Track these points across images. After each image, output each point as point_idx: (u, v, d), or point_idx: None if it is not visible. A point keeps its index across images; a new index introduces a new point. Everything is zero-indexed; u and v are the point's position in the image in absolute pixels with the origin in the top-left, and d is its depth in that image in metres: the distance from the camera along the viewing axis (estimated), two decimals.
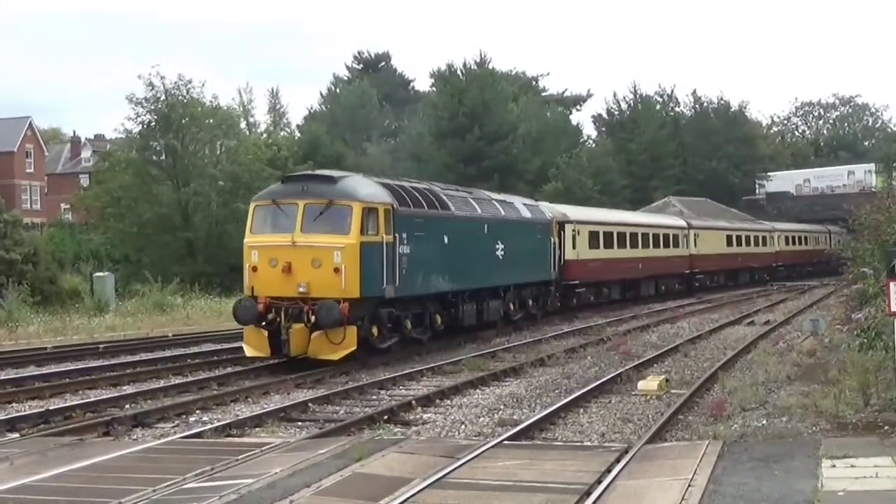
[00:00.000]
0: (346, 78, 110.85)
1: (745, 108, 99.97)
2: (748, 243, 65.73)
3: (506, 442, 14.09)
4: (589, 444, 14.60)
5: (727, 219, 70.10)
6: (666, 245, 52.20)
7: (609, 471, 11.95)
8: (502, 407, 18.08)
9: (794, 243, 74.36)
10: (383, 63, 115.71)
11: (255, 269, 23.89)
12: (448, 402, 18.74)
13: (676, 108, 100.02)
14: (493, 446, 13.59)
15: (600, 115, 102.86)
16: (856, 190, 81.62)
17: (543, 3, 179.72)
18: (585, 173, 76.72)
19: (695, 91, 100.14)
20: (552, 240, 37.69)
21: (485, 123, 77.13)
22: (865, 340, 16.63)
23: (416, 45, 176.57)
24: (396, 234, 24.82)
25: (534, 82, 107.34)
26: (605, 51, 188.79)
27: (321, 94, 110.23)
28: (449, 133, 77.61)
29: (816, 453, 12.15)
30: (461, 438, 15.13)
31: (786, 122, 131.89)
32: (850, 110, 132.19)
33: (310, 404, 18.11)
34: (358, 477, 11.81)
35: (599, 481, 11.44)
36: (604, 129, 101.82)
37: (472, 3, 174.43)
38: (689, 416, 16.63)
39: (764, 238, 68.54)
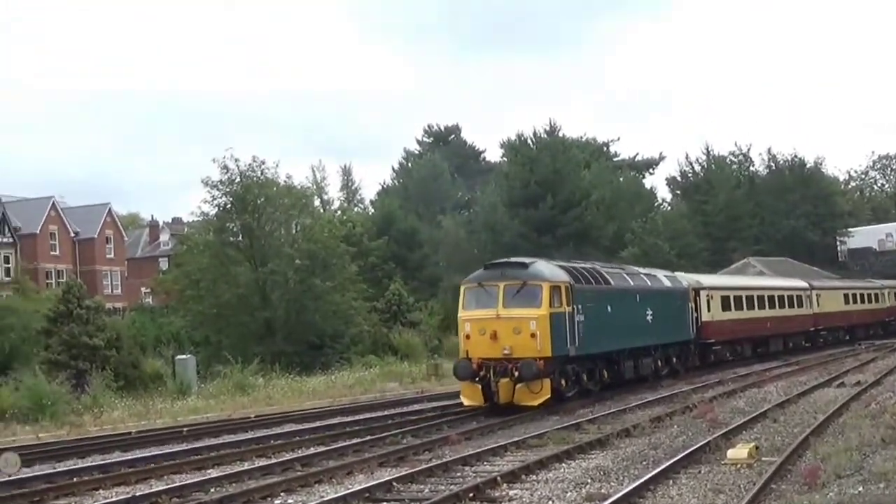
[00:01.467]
0: (417, 152, 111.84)
1: (820, 164, 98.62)
2: (863, 300, 68.14)
3: None
4: None
5: (816, 277, 69.83)
6: (791, 305, 56.27)
7: None
8: (589, 480, 17.74)
9: None
10: (453, 135, 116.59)
11: (468, 336, 30.27)
12: (534, 476, 18.43)
13: (751, 168, 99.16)
14: None
15: (674, 178, 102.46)
16: None
17: (611, 69, 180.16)
18: (662, 237, 76.30)
19: (769, 149, 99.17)
20: (689, 305, 42.95)
21: (557, 191, 77.20)
22: None
23: (485, 116, 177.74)
24: (574, 305, 30.97)
25: (605, 148, 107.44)
26: (676, 113, 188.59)
27: (393, 168, 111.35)
28: (522, 202, 77.75)
29: None
30: None
31: (863, 176, 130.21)
32: None
33: (394, 483, 17.91)
34: None
35: None
36: (678, 191, 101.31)
37: (539, 72, 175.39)
38: (781, 484, 16.18)
39: (876, 295, 70.57)
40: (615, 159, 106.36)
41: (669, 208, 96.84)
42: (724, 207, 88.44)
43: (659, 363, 38.93)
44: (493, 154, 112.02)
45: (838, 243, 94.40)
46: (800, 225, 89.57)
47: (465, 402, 30.24)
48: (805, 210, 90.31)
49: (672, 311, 40.55)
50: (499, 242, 77.02)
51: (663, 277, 42.00)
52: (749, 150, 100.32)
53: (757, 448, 19.54)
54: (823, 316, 60.07)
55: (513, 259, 33.91)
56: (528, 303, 29.73)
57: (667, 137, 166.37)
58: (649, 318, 37.35)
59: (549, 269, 31.48)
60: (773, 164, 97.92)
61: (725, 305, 47.97)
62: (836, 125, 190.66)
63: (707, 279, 49.55)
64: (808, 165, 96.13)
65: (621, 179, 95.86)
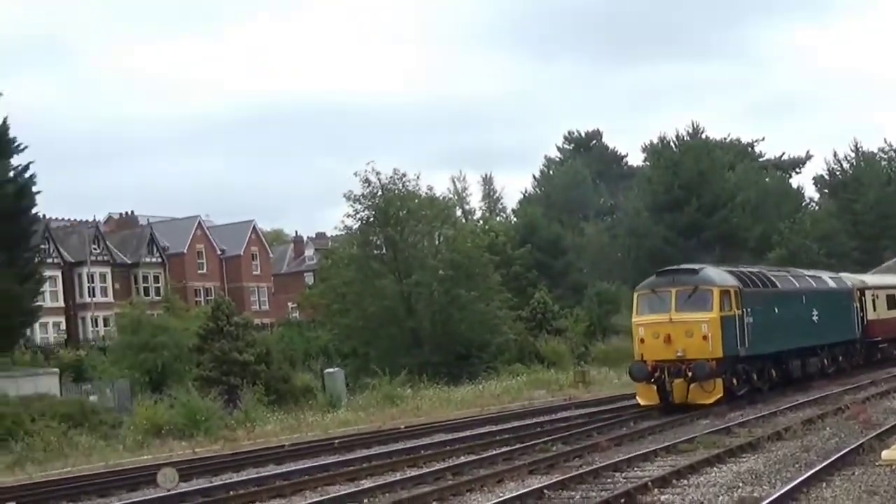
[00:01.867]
0: (558, 159, 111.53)
1: None
2: None
3: None
4: None
5: None
6: None
7: None
8: (741, 484, 17.59)
9: None
10: (594, 141, 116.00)
11: (642, 340, 32.04)
12: (685, 481, 18.33)
13: None
14: None
15: (821, 177, 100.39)
16: None
17: (754, 69, 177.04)
18: (810, 238, 74.88)
19: None
20: (854, 304, 44.12)
21: (702, 194, 76.46)
22: None
23: (626, 121, 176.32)
24: (743, 308, 32.73)
25: (749, 149, 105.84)
26: (823, 110, 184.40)
27: (534, 176, 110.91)
28: (666, 206, 77.17)
29: None
30: None
31: None
32: None
33: (545, 491, 18.00)
34: None
35: None
36: (826, 190, 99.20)
37: (677, 74, 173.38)
38: None
39: None
40: (760, 160, 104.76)
41: (817, 208, 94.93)
42: (874, 205, 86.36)
43: (826, 361, 40.19)
44: (636, 158, 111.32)
45: None
46: None
47: (641, 401, 32.15)
48: None
49: (837, 311, 41.95)
50: (643, 247, 76.52)
51: (828, 279, 43.92)
52: None
53: None
54: None
55: (683, 266, 35.56)
56: (699, 307, 31.57)
57: (814, 136, 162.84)
58: (815, 318, 38.95)
59: (718, 275, 33.59)
60: None
61: (891, 304, 48.89)
62: None
63: (871, 279, 50.95)
64: None
65: (767, 180, 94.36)
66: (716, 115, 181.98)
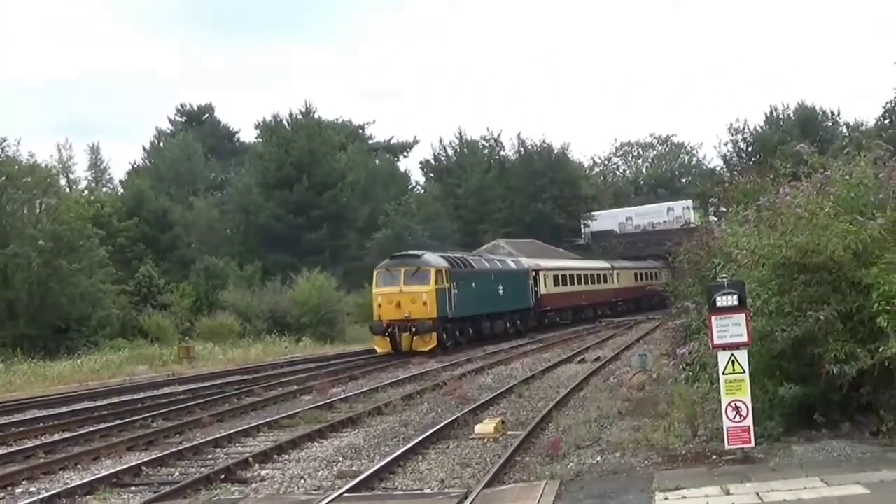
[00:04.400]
0: (169, 131, 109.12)
1: (566, 149, 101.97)
2: (645, 278, 79.09)
3: (346, 494, 13.99)
4: (429, 491, 14.61)
5: (566, 258, 74.34)
6: (599, 282, 71.85)
7: None
8: (341, 459, 17.95)
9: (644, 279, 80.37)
10: (207, 115, 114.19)
11: (380, 305, 44.15)
12: (286, 456, 18.50)
13: (501, 152, 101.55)
14: (333, 500, 13.48)
15: (427, 162, 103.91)
16: (676, 226, 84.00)
17: (365, 51, 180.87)
18: (415, 219, 77.25)
19: (519, 134, 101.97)
20: (530, 282, 57.73)
21: (313, 173, 77.15)
22: (691, 374, 16.98)
23: (240, 97, 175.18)
24: (450, 283, 45.56)
25: (360, 130, 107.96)
26: (431, 97, 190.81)
27: (144, 148, 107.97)
28: (277, 184, 77.32)
29: (650, 487, 12.36)
30: (300, 494, 14.97)
31: (606, 162, 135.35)
32: (667, 149, 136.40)
33: (143, 468, 17.63)
34: None
35: None
36: (432, 174, 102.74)
37: (296, 52, 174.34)
38: (526, 457, 16.76)
39: (652, 273, 79.59)
40: (370, 142, 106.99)
41: (423, 191, 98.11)
42: (475, 191, 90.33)
43: (508, 324, 53.20)
44: (248, 135, 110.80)
45: (582, 226, 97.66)
46: (546, 208, 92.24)
47: (379, 350, 43.83)
48: (552, 194, 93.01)
49: (517, 287, 55.33)
50: (252, 224, 76.42)
51: (510, 262, 57.95)
52: (500, 135, 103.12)
53: (503, 423, 20.19)
54: (621, 290, 75.52)
55: (410, 252, 48.69)
56: (421, 281, 44.12)
57: (422, 121, 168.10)
58: (501, 291, 52.19)
59: (434, 259, 46.31)
60: (522, 149, 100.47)
61: (556, 282, 63.12)
62: (582, 113, 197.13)
63: (544, 262, 64.37)
64: (555, 151, 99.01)
65: (377, 162, 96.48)
66: (329, 96, 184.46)
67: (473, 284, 48.40)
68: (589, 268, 72.27)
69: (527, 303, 56.41)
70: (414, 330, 42.89)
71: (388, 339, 43.30)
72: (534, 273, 58.78)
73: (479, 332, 48.91)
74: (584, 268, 71.48)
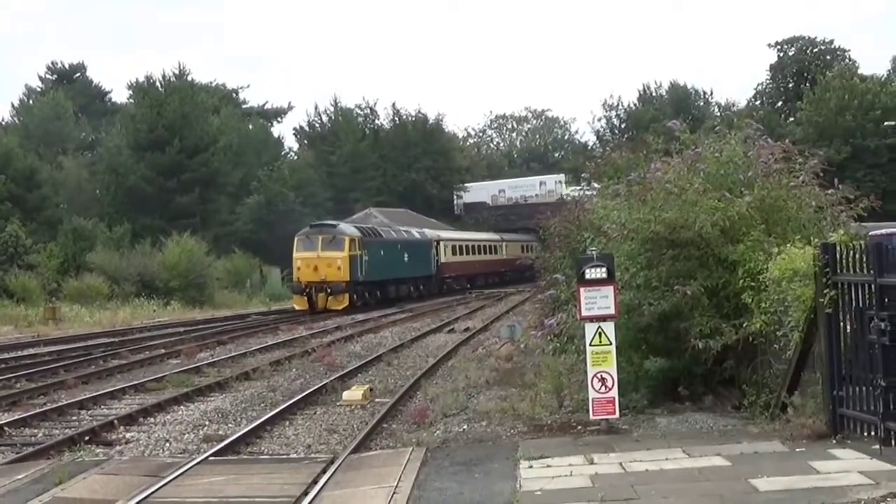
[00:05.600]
0: (39, 89, 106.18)
1: (441, 120, 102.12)
2: (530, 250, 76.18)
3: (211, 458, 13.92)
4: (295, 456, 14.62)
5: (439, 228, 74.75)
6: (490, 252, 77.79)
7: (315, 482, 11.99)
8: (207, 423, 17.85)
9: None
10: (79, 74, 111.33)
11: (299, 268, 49.43)
12: (152, 419, 18.33)
13: (376, 121, 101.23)
14: (198, 463, 13.40)
15: (302, 128, 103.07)
16: (548, 200, 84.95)
17: (242, 14, 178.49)
18: (287, 186, 76.70)
19: (394, 104, 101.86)
20: (433, 252, 63.87)
21: (185, 136, 75.95)
22: (559, 345, 17.18)
23: (113, 55, 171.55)
24: (362, 250, 50.85)
25: (234, 94, 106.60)
26: (306, 63, 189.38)
27: (13, 105, 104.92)
28: (148, 146, 75.92)
29: (515, 455, 12.53)
30: (166, 457, 14.85)
31: (481, 134, 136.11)
32: (541, 123, 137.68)
33: (5, 428, 17.29)
34: (59, 501, 11.43)
35: (306, 493, 11.47)
36: (305, 141, 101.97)
37: (172, 13, 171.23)
38: (393, 424, 16.88)
39: (534, 246, 78.26)
40: (244, 106, 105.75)
41: (296, 158, 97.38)
42: (348, 158, 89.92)
43: (412, 289, 59.20)
44: (120, 95, 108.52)
45: (455, 197, 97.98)
46: (420, 178, 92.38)
47: (297, 307, 49.51)
48: (425, 164, 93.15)
49: (421, 255, 61.32)
50: (122, 185, 74.97)
51: (416, 233, 63.42)
52: (375, 104, 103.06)
53: (371, 390, 20.27)
54: (508, 261, 75.87)
55: (326, 222, 54.64)
56: (336, 248, 49.49)
57: (297, 87, 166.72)
58: (406, 259, 58.01)
59: (348, 228, 52.31)
60: (397, 119, 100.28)
61: (455, 252, 69.31)
62: (458, 84, 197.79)
63: (445, 234, 70.68)
64: (430, 122, 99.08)
65: (250, 127, 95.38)
66: (203, 59, 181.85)
67: (382, 252, 53.87)
68: (483, 239, 78.75)
69: (429, 270, 62.64)
70: (329, 291, 48.50)
71: (306, 299, 48.71)
72: (436, 243, 64.67)
73: (385, 295, 54.32)
74: (478, 239, 77.85)
